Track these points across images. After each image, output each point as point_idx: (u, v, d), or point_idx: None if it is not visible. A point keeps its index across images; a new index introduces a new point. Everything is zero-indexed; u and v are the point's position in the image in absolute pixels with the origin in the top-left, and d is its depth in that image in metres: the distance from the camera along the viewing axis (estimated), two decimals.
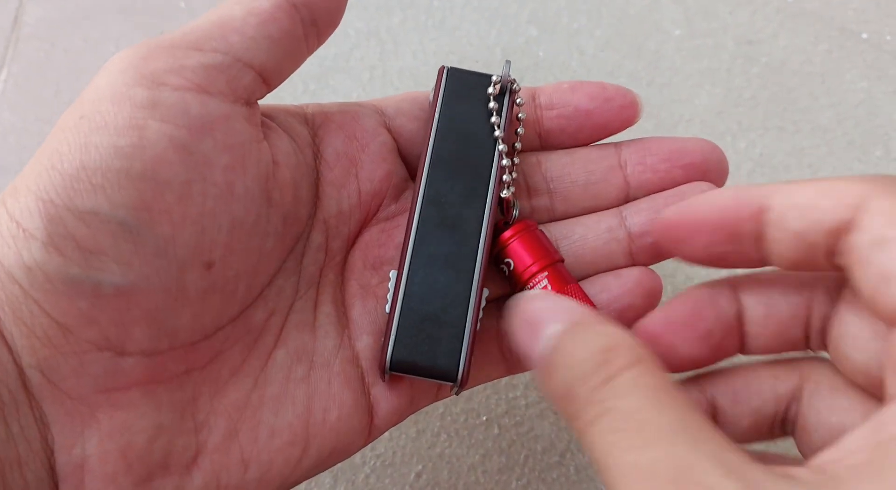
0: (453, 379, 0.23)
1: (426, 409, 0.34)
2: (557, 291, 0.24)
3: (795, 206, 0.19)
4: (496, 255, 0.26)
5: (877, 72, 0.42)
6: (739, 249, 0.20)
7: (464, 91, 0.27)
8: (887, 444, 0.15)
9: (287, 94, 0.42)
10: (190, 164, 0.21)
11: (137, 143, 0.20)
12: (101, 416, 0.20)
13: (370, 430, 0.24)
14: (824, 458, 0.16)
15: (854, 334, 0.19)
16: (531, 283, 0.25)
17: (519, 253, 0.25)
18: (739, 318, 0.21)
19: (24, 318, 0.19)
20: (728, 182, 0.39)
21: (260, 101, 0.24)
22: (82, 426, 0.20)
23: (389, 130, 0.27)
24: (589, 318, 0.18)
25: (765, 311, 0.21)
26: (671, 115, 0.41)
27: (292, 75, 0.42)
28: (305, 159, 0.25)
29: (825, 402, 0.20)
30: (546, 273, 0.25)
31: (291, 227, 0.24)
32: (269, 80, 0.24)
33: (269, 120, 0.25)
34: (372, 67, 0.43)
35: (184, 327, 0.21)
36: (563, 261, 0.25)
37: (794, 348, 0.21)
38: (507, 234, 0.25)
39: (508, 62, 0.27)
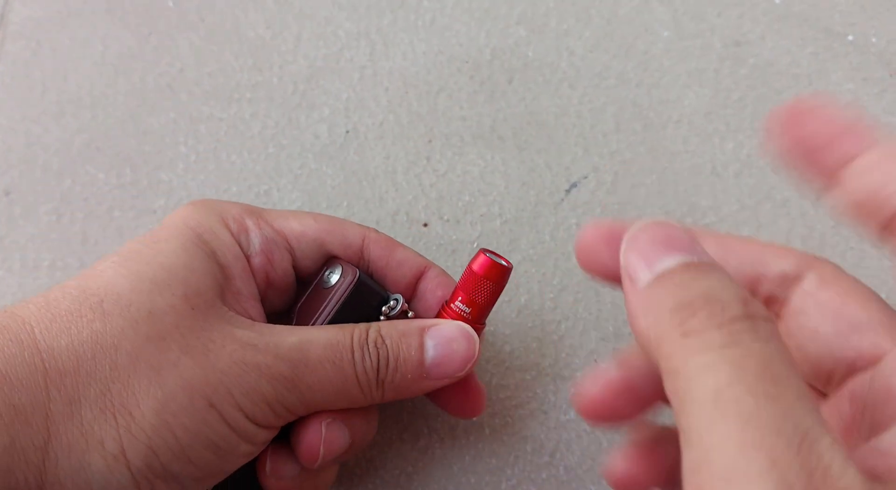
0: None
1: (416, 410, 0.34)
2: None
3: (748, 254, 0.21)
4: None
5: (862, 74, 0.42)
6: None
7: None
8: None
9: (278, 95, 0.42)
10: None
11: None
12: None
13: None
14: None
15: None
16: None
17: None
18: None
19: None
20: (717, 183, 0.39)
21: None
22: None
23: None
24: (721, 266, 0.19)
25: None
26: (659, 117, 0.41)
27: (283, 76, 0.42)
28: None
29: None
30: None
31: None
32: None
33: None
34: (362, 68, 0.43)
35: None
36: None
37: None
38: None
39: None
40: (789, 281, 0.21)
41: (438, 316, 0.31)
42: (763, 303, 0.20)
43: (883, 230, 0.19)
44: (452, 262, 0.38)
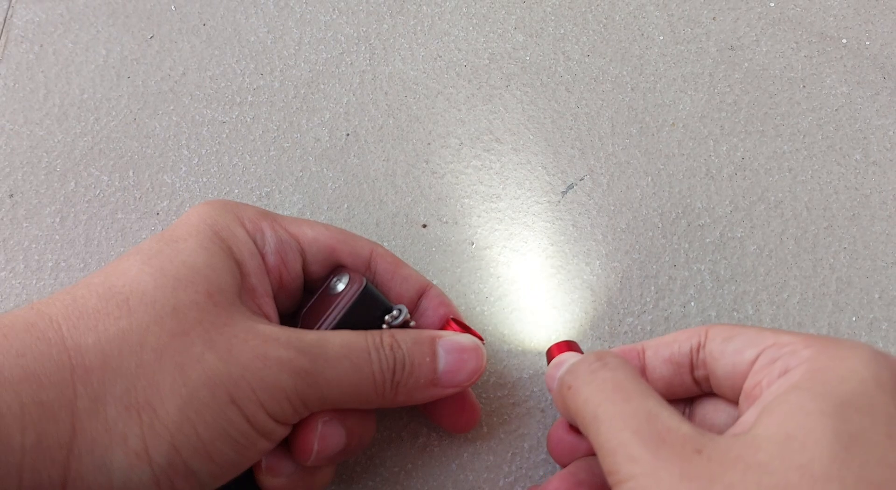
0: None
1: (415, 408, 0.34)
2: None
3: (663, 343, 0.30)
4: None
5: (856, 77, 0.43)
6: None
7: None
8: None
9: (279, 99, 0.42)
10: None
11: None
12: None
13: None
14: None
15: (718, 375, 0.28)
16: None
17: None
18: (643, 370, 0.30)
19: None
20: (711, 185, 0.40)
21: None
22: None
23: None
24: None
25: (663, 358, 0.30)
26: (655, 120, 0.42)
27: (284, 80, 0.43)
28: None
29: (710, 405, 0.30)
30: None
31: None
32: None
33: None
34: (362, 72, 0.43)
35: None
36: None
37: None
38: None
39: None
40: (699, 346, 0.29)
41: (443, 329, 0.32)
42: (697, 362, 0.29)
43: (690, 373, 0.29)
44: (451, 263, 0.38)
